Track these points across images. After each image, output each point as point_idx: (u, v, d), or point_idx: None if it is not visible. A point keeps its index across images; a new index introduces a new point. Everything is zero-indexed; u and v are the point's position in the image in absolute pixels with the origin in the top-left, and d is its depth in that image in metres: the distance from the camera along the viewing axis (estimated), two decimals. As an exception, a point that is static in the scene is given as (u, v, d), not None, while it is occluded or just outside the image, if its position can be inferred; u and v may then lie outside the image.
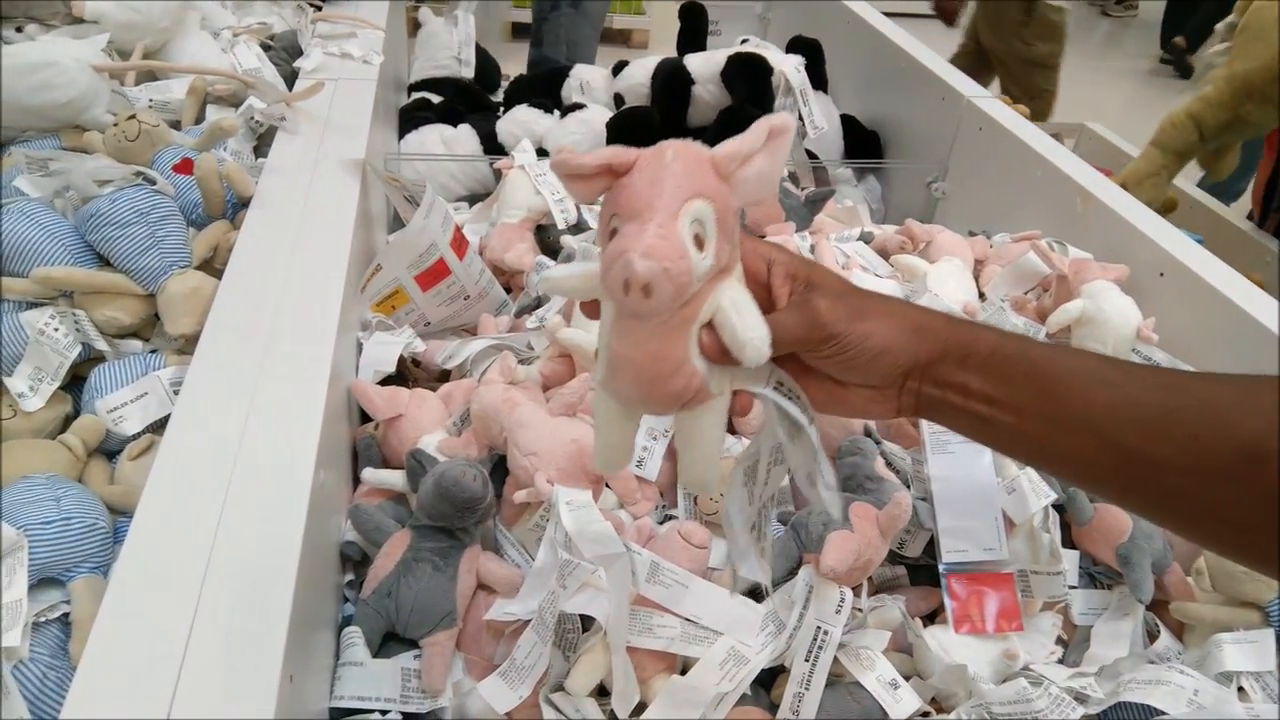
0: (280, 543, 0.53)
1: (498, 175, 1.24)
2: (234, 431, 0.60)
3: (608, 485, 0.74)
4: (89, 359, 0.79)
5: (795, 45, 1.54)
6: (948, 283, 0.96)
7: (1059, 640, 0.71)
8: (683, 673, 0.65)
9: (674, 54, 1.56)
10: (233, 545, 0.52)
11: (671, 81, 1.43)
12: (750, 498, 0.49)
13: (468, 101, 1.72)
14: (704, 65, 1.43)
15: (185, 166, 0.88)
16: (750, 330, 0.40)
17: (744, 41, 1.54)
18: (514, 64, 2.13)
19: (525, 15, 3.63)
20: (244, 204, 0.89)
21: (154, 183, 0.80)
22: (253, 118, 1.05)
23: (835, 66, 1.62)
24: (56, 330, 0.75)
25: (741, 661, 0.63)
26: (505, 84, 1.81)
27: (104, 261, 0.80)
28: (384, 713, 0.61)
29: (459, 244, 0.93)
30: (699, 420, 0.44)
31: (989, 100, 1.29)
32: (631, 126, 1.37)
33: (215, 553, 0.51)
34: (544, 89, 1.63)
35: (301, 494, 0.56)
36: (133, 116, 0.88)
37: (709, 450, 0.45)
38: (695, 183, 0.39)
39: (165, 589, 0.49)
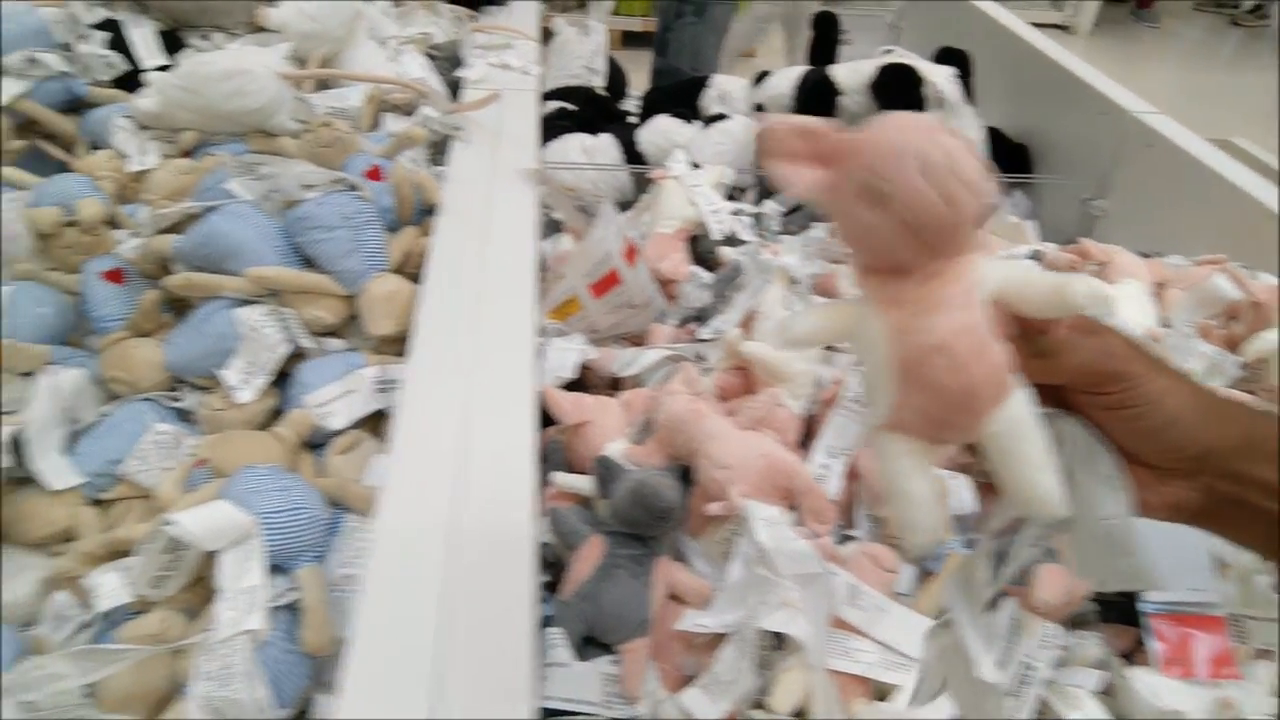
0: (513, 542, 0.55)
1: (641, 185, 1.25)
2: (457, 432, 0.62)
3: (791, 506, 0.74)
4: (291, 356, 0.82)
5: (944, 56, 1.51)
6: (1128, 307, 0.93)
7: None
8: (878, 700, 0.64)
9: (782, 63, 1.56)
10: (469, 544, 0.54)
11: (818, 92, 1.42)
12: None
13: (598, 111, 1.74)
14: (851, 76, 1.42)
15: (374, 173, 0.92)
16: (1072, 287, 0.35)
17: (887, 51, 1.52)
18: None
19: (636, 24, 3.68)
20: (428, 210, 0.92)
21: (356, 188, 0.84)
22: (428, 126, 1.08)
23: (977, 77, 1.58)
24: (268, 327, 0.79)
25: (944, 691, 0.62)
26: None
27: (306, 262, 0.83)
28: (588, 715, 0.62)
29: (630, 254, 0.94)
30: (1015, 420, 0.37)
31: (1159, 116, 1.24)
32: (779, 138, 1.37)
33: (452, 551, 0.53)
34: (682, 99, 1.64)
35: (526, 493, 0.58)
36: (327, 123, 0.92)
37: (1039, 452, 0.37)
38: None
39: (412, 591, 0.51)
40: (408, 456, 0.60)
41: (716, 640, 0.68)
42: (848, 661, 0.63)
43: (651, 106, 1.68)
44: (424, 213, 0.93)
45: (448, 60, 1.30)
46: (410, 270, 0.87)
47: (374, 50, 1.26)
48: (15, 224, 0.83)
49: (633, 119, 1.76)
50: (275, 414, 0.81)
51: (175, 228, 0.86)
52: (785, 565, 0.64)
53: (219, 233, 0.80)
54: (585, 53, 2.04)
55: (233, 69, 1.04)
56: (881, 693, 0.64)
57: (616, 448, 0.78)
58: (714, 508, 0.70)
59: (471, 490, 0.57)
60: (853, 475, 0.78)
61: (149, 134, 1.09)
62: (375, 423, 0.79)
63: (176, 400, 0.81)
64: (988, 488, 0.41)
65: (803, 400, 0.79)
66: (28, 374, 0.76)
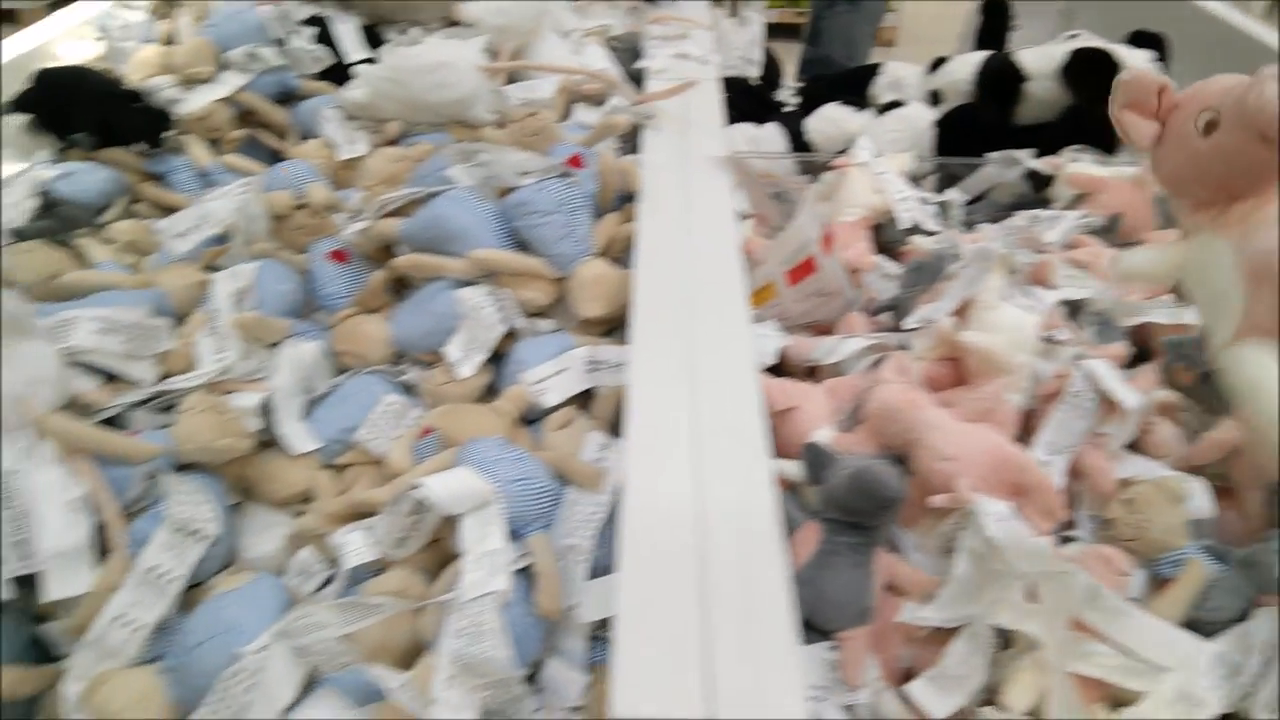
0: (760, 524, 0.55)
1: (811, 173, 1.24)
2: (687, 415, 0.63)
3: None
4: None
5: (1138, 39, 1.43)
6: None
7: None
8: (1113, 707, 0.61)
9: (930, 51, 1.53)
10: (717, 528, 0.54)
11: (1003, 78, 1.36)
12: None
13: (755, 101, 1.73)
14: (1039, 61, 1.36)
15: (575, 161, 0.94)
16: None
17: (1073, 36, 1.45)
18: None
19: (780, 15, 3.64)
20: (625, 197, 0.94)
21: (569, 175, 0.86)
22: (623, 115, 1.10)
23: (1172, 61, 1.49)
24: (487, 307, 0.82)
25: (1195, 704, 0.59)
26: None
27: (520, 246, 0.86)
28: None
29: (827, 242, 0.93)
30: None
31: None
32: (963, 123, 1.33)
33: (704, 533, 0.54)
34: (850, 87, 1.61)
35: (765, 476, 0.58)
36: (534, 113, 0.95)
37: None
38: None
39: (670, 578, 0.52)
40: (645, 441, 0.61)
41: (937, 635, 0.67)
42: (1086, 665, 0.61)
43: (815, 95, 1.66)
44: (622, 199, 0.94)
45: (627, 51, 1.32)
46: (612, 255, 0.89)
47: (558, 43, 1.29)
48: (256, 205, 0.89)
49: (787, 109, 1.75)
50: (489, 390, 0.85)
51: (396, 212, 0.90)
52: (1021, 562, 0.62)
53: (443, 217, 0.84)
54: (742, 43, 2.03)
55: (436, 62, 1.08)
56: (1119, 700, 0.62)
57: (824, 434, 0.77)
58: (939, 500, 0.68)
59: (711, 477, 0.58)
60: (1074, 474, 0.75)
61: (355, 124, 1.15)
62: (583, 401, 0.81)
63: (400, 374, 0.85)
64: (1226, 492, 0.43)
65: (1021, 394, 0.77)
66: (273, 345, 0.81)
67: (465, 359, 0.82)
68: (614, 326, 0.89)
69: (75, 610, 0.64)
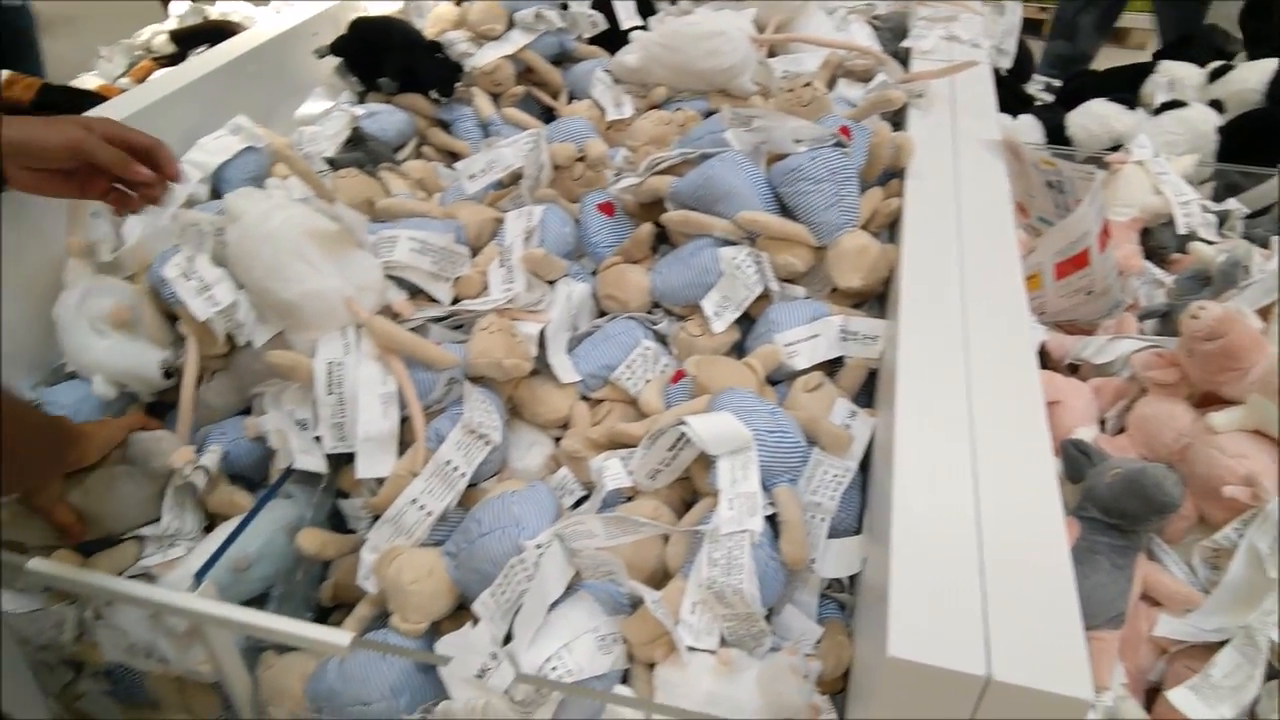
0: (1042, 511, 0.54)
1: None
2: (962, 398, 0.63)
3: None
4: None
5: None
6: None
7: None
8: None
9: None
10: (997, 513, 0.54)
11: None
12: None
13: (1006, 92, 1.65)
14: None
15: (844, 133, 0.95)
16: None
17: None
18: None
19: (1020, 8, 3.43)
20: (890, 174, 0.94)
21: (843, 145, 0.87)
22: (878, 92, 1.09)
23: None
24: (748, 267, 0.85)
25: None
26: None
27: (783, 211, 0.88)
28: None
29: (1104, 237, 0.89)
30: None
31: None
32: (1256, 132, 1.22)
33: (983, 517, 0.54)
34: (1122, 84, 1.51)
35: (1048, 463, 0.57)
36: (809, 83, 0.96)
37: None
38: None
39: (947, 547, 0.52)
40: (917, 420, 0.61)
41: (1193, 650, 0.64)
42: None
43: (1079, 90, 1.57)
44: (886, 175, 0.94)
45: (890, 30, 1.30)
46: (872, 229, 0.89)
47: (823, 19, 1.29)
48: (544, 154, 0.96)
49: (1038, 103, 1.66)
50: (737, 347, 0.88)
51: (667, 171, 0.95)
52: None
53: (715, 178, 0.87)
54: (997, 33, 1.95)
55: (711, 30, 1.12)
56: None
57: (1087, 433, 0.75)
58: (1235, 491, 0.64)
59: (990, 460, 0.58)
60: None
61: (623, 88, 1.21)
62: (828, 368, 0.83)
63: (655, 322, 0.90)
64: None
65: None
66: (551, 282, 0.88)
67: (720, 314, 0.86)
68: (863, 299, 0.90)
69: (378, 490, 0.73)
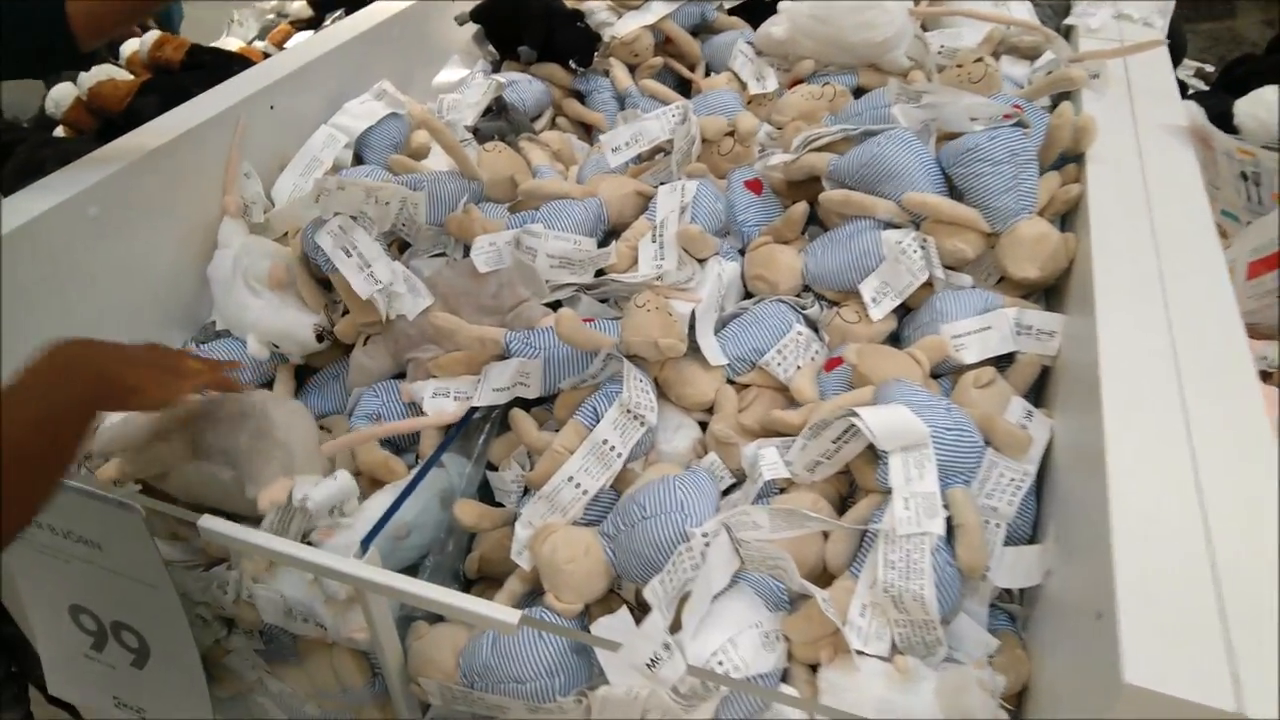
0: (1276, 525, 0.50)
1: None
2: (1173, 394, 0.58)
3: None
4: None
5: None
6: None
7: None
8: None
9: None
10: (1225, 519, 0.50)
11: None
12: None
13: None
14: None
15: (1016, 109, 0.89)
16: None
17: None
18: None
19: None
20: (1066, 158, 0.88)
21: (1024, 125, 0.81)
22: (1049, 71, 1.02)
23: None
24: (914, 252, 0.80)
25: None
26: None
27: (952, 193, 0.83)
28: None
29: (1308, 235, 0.81)
30: None
31: None
32: None
33: (1212, 530, 0.49)
34: (1296, 69, 1.39)
35: (1275, 471, 0.52)
36: (980, 59, 0.91)
37: None
38: None
39: (1177, 565, 0.48)
40: (1129, 425, 0.56)
41: None
42: None
43: (1248, 76, 1.46)
44: (1061, 160, 0.88)
45: (1050, 6, 1.22)
46: (1047, 216, 0.84)
47: (978, -9, 1.22)
48: (694, 127, 0.93)
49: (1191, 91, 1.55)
50: (893, 336, 0.83)
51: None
52: None
53: (881, 156, 0.83)
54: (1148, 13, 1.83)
55: (867, 2, 1.06)
56: None
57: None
58: None
59: (1214, 470, 0.53)
60: None
61: (766, 61, 1.17)
62: (997, 363, 0.78)
63: (805, 306, 0.86)
64: None
65: None
66: (702, 260, 0.85)
67: (879, 300, 0.82)
68: (1033, 290, 0.84)
69: (529, 465, 0.72)
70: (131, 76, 1.33)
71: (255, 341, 0.86)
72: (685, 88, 1.24)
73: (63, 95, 1.32)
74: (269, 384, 0.89)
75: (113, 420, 0.73)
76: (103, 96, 1.27)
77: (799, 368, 0.81)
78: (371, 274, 0.78)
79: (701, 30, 1.27)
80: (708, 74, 1.24)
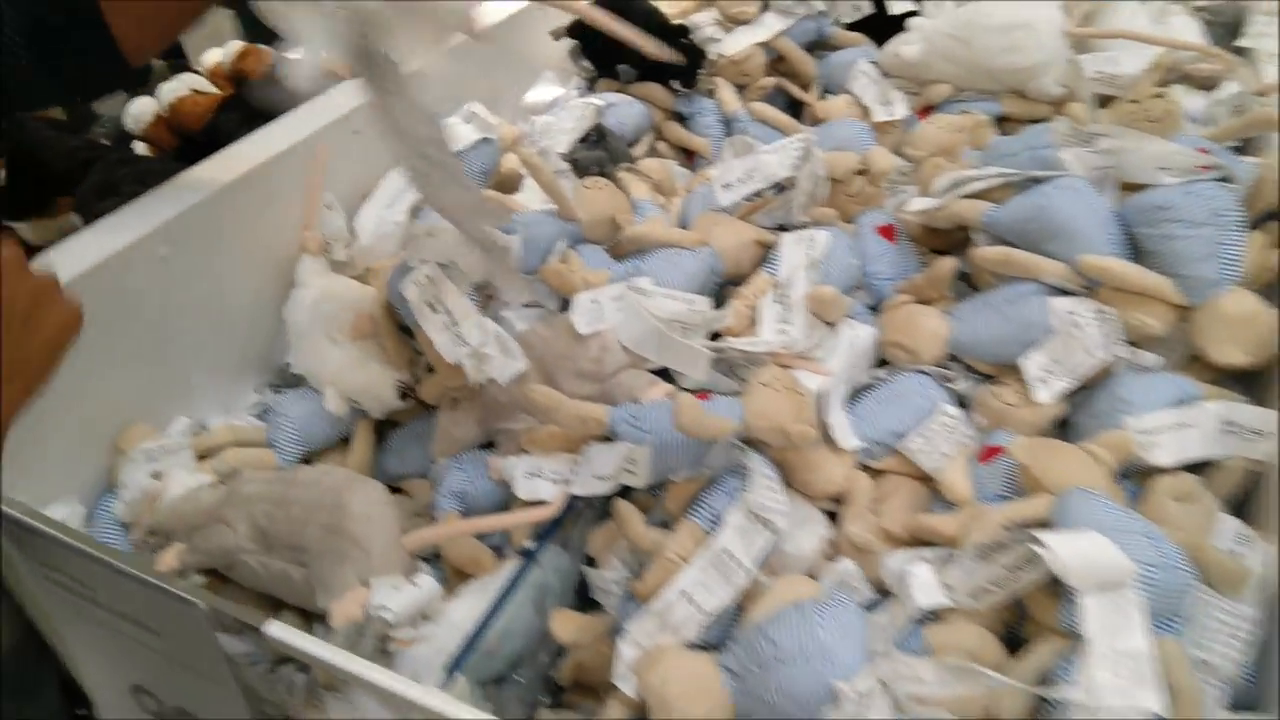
0: None
1: None
2: None
3: None
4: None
5: None
6: None
7: None
8: None
9: None
10: None
11: None
12: None
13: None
14: None
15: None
16: None
17: None
18: None
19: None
20: (1269, 214, 0.74)
21: (1229, 180, 0.68)
22: (1237, 106, 0.88)
23: None
24: (1090, 326, 0.68)
25: None
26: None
27: (1135, 256, 0.71)
28: None
29: None
30: None
31: None
32: None
33: None
34: None
35: None
36: (1160, 94, 0.78)
37: None
38: None
39: None
40: None
41: None
42: None
43: None
44: (1263, 216, 0.74)
45: (1222, 26, 1.08)
46: (1253, 286, 0.70)
47: (1135, 9, 1.08)
48: (820, 165, 0.82)
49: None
50: (1061, 423, 0.71)
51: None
52: None
53: (1051, 208, 0.70)
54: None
55: (1014, 22, 0.94)
56: None
57: None
58: None
59: None
60: None
61: (892, 83, 1.05)
62: (1198, 471, 0.65)
63: (950, 379, 0.74)
64: None
65: None
66: (830, 324, 0.74)
67: (1046, 381, 0.70)
68: (1226, 375, 0.71)
69: (632, 563, 0.63)
70: (214, 90, 1.27)
71: (334, 397, 0.78)
72: (797, 109, 1.12)
73: (141, 110, 1.27)
74: (346, 439, 0.82)
75: (173, 496, 0.66)
76: (182, 114, 1.21)
77: (948, 455, 0.70)
78: (459, 333, 0.69)
79: (817, 47, 1.15)
80: (823, 96, 1.12)
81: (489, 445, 0.74)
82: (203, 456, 0.76)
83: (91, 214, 0.85)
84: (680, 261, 0.76)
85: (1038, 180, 0.74)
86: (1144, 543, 0.55)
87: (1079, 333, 0.68)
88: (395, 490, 0.77)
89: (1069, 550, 0.53)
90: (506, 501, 0.69)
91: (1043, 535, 0.54)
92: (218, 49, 1.27)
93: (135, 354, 0.75)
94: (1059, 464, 0.63)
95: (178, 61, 1.32)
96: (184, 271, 0.77)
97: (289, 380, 0.85)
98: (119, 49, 0.65)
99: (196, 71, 1.27)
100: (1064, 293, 0.71)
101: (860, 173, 0.85)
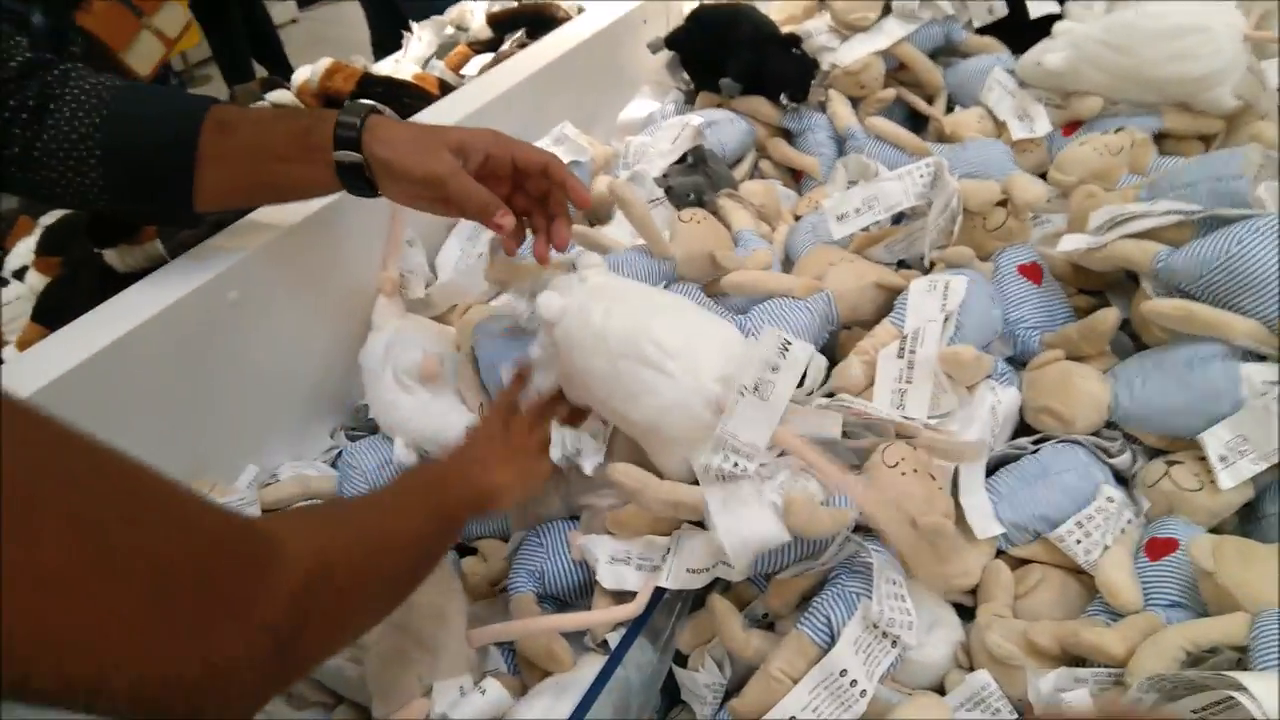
0: None
1: None
2: None
3: None
4: None
5: None
6: None
7: None
8: None
9: None
10: None
11: None
12: None
13: None
14: None
15: None
16: None
17: None
18: None
19: None
20: None
21: None
22: None
23: None
24: (1292, 400, 0.56)
25: None
26: None
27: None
28: None
29: None
30: None
31: None
32: None
33: None
34: None
35: None
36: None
37: None
38: None
39: None
40: None
41: None
42: None
43: None
44: None
45: None
46: None
47: (1326, 3, 0.92)
48: (952, 194, 0.71)
49: None
50: (1244, 515, 0.59)
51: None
52: None
53: (1245, 256, 0.58)
54: None
55: (1188, 25, 0.81)
56: None
57: None
58: None
59: None
60: None
61: (1031, 94, 0.93)
62: None
63: (1111, 453, 0.63)
64: None
65: None
66: (970, 386, 0.64)
67: (1232, 462, 0.57)
68: None
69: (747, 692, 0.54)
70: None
71: (402, 445, 0.72)
72: (921, 125, 1.01)
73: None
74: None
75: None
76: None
77: (1107, 547, 0.58)
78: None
79: (945, 54, 1.04)
80: (950, 109, 1.01)
81: (574, 517, 0.67)
82: (270, 510, 0.71)
83: (176, 244, 0.82)
84: (790, 316, 0.67)
85: (1224, 220, 0.61)
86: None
87: (1272, 407, 0.56)
88: (467, 551, 0.71)
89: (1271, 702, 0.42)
90: (588, 583, 0.61)
91: (1244, 678, 0.43)
92: (308, 65, 1.25)
93: (204, 401, 0.71)
94: (1254, 573, 0.51)
95: (271, 78, 1.30)
96: (255, 314, 0.72)
97: (366, 424, 0.80)
98: (192, 204, 0.64)
99: (286, 87, 1.25)
100: (1258, 357, 0.59)
101: (1001, 204, 0.73)
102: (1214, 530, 0.59)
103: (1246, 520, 0.60)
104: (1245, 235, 0.59)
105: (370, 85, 1.12)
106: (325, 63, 1.17)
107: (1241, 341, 0.59)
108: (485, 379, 0.69)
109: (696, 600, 0.61)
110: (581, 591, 0.62)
